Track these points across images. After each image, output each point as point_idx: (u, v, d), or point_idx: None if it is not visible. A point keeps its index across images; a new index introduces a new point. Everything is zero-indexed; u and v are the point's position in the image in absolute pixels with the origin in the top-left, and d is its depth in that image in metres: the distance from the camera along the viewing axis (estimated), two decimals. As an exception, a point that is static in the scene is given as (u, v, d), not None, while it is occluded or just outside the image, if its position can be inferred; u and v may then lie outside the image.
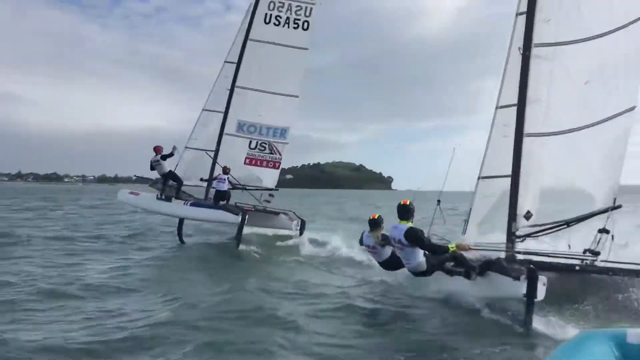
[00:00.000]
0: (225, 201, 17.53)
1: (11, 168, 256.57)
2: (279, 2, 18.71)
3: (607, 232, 9.27)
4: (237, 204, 17.61)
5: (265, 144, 19.18)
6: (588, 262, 9.06)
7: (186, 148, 18.74)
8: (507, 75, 9.67)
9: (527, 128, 9.40)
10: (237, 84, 18.64)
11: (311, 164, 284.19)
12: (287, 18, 18.75)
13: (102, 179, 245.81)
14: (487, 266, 8.13)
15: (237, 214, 15.79)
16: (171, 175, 17.66)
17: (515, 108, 9.43)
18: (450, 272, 8.53)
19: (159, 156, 17.28)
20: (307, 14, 18.87)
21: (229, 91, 18.59)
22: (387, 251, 9.23)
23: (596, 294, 8.18)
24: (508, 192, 9.45)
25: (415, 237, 8.13)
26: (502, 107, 9.75)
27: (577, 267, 9.00)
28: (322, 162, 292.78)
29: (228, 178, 17.75)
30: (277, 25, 18.71)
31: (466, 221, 10.00)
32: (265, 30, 18.68)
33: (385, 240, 9.05)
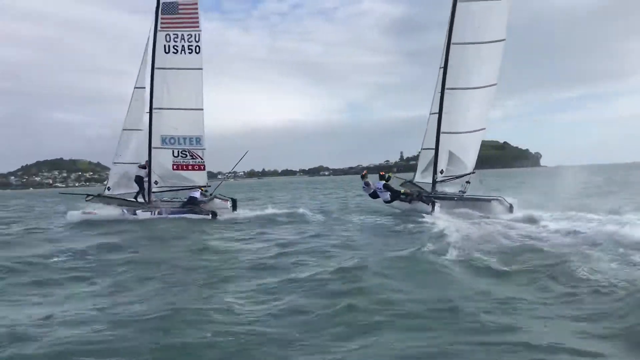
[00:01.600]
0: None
1: None
2: (173, 34, 22.53)
3: (469, 182, 21.40)
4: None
5: (186, 151, 23.36)
6: (460, 195, 20.93)
7: (114, 163, 23.46)
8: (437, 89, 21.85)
9: (443, 128, 21.67)
10: (153, 106, 22.98)
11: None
12: (183, 46, 22.53)
13: (251, 174, 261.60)
14: (418, 197, 21.15)
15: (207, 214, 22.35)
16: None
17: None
18: (402, 200, 21.41)
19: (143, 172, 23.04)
20: (197, 39, 22.51)
21: (148, 113, 23.00)
22: (386, 194, 21.67)
23: (462, 207, 20.01)
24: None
25: (386, 187, 21.62)
26: (432, 113, 22.33)
27: (455, 198, 20.87)
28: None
29: (201, 192, 23.17)
30: (176, 53, 22.58)
31: (414, 173, 23.68)
32: (166, 58, 22.66)
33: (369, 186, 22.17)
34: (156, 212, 22.74)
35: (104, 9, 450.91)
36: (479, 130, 21.55)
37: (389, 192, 21.65)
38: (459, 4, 20.77)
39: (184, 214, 22.56)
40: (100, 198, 23.58)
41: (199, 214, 22.46)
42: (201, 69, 22.69)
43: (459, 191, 21.25)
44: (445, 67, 21.25)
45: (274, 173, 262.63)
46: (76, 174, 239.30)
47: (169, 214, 22.63)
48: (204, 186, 23.58)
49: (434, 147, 21.79)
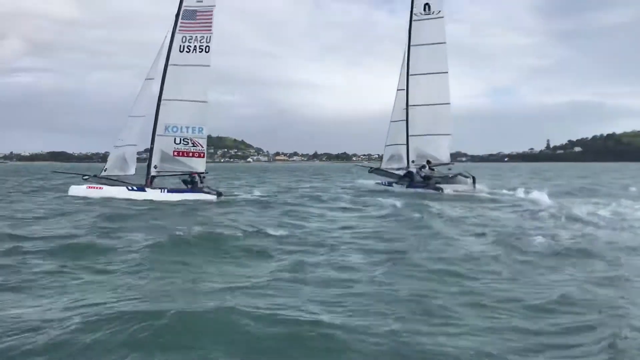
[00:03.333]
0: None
1: (308, 149, 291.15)
2: (189, 36, 25.65)
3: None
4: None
5: (188, 139, 25.50)
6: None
7: (115, 147, 25.21)
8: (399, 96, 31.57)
9: (410, 132, 31.13)
10: (163, 97, 25.58)
11: (604, 134, 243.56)
12: (195, 46, 25.56)
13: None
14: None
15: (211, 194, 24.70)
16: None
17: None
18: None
19: None
20: (208, 41, 25.57)
21: (156, 104, 25.56)
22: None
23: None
24: (404, 151, 31.47)
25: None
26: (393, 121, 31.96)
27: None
28: (617, 132, 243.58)
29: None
30: (189, 52, 25.55)
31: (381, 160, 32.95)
32: (180, 56, 25.56)
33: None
34: (166, 190, 24.57)
35: None
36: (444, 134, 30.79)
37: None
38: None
39: (190, 192, 24.59)
40: (97, 179, 25.29)
41: (207, 193, 24.71)
42: (208, 65, 25.50)
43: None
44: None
45: None
46: (222, 150, 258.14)
47: (173, 192, 24.62)
48: (202, 172, 25.46)
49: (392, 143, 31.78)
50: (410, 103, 30.87)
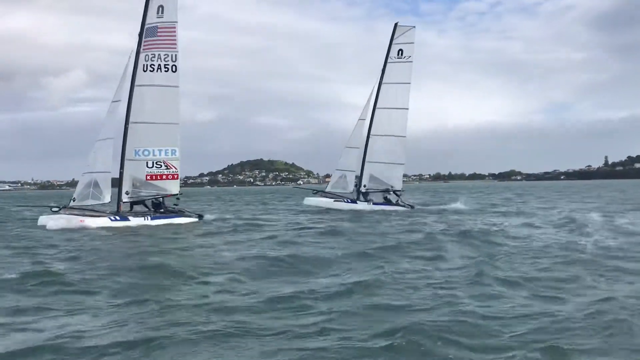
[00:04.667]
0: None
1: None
2: (151, 54, 24.63)
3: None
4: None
5: (160, 162, 25.04)
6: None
7: (83, 174, 23.98)
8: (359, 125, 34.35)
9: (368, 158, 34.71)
10: (130, 120, 24.66)
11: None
12: (159, 65, 24.62)
13: (437, 177, 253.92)
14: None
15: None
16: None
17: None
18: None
19: None
20: (174, 59, 24.72)
21: (124, 127, 24.63)
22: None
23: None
24: (352, 177, 34.09)
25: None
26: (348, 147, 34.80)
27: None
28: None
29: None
30: (152, 71, 24.61)
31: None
32: (144, 76, 24.63)
33: None
34: (149, 218, 24.17)
35: (301, 16, 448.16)
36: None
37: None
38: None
39: (171, 217, 24.61)
40: (67, 210, 23.69)
41: (188, 216, 25.27)
42: (177, 86, 24.82)
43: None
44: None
45: (461, 177, 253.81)
46: (273, 173, 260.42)
47: (156, 218, 24.35)
48: (177, 194, 25.33)
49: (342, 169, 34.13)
50: (372, 133, 34.37)
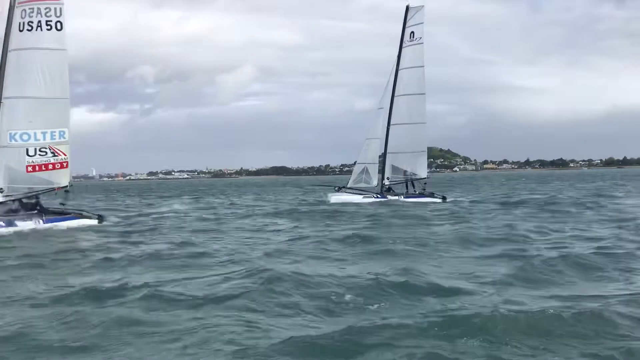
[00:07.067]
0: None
1: (520, 156, 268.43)
2: (29, 8, 19.00)
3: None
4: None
5: (45, 148, 19.33)
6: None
7: None
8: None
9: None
10: (3, 95, 18.99)
11: None
12: (39, 21, 19.00)
13: (609, 162, 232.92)
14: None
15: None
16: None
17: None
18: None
19: None
20: (58, 14, 19.09)
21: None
22: None
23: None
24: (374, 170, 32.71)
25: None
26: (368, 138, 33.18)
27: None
28: None
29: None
30: (31, 30, 18.99)
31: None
32: (21, 38, 18.97)
33: None
34: (40, 221, 18.93)
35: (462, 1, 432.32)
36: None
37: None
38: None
39: (70, 219, 19.53)
40: None
41: (87, 218, 20.16)
42: (64, 49, 19.23)
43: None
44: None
45: (638, 162, 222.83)
46: (428, 160, 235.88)
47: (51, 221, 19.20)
48: (66, 186, 19.66)
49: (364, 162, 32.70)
50: (392, 122, 32.73)
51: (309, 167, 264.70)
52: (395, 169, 32.64)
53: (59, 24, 19.07)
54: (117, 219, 22.26)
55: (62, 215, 19.70)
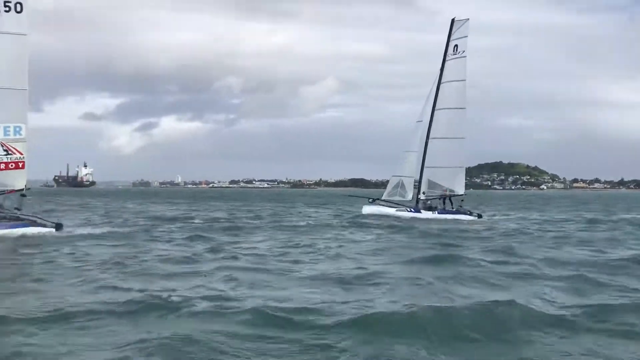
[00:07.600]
0: None
1: (613, 175, 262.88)
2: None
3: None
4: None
5: (-3, 145, 17.16)
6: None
7: None
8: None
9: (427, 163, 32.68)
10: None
11: None
12: (-5, 3, 16.95)
13: None
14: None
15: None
16: None
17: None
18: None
19: None
20: (18, -6, 16.93)
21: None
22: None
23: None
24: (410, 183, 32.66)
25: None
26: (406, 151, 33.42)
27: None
28: None
29: None
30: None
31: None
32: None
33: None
34: None
35: (553, 12, 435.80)
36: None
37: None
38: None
39: (23, 227, 17.07)
40: None
41: (41, 225, 17.58)
42: (24, 34, 17.02)
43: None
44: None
45: None
46: (513, 176, 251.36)
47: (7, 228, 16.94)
48: (22, 189, 17.34)
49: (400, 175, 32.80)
50: (431, 136, 32.31)
51: (387, 180, 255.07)
52: (431, 184, 32.24)
53: (18, 6, 16.92)
54: None
55: (14, 221, 17.36)
